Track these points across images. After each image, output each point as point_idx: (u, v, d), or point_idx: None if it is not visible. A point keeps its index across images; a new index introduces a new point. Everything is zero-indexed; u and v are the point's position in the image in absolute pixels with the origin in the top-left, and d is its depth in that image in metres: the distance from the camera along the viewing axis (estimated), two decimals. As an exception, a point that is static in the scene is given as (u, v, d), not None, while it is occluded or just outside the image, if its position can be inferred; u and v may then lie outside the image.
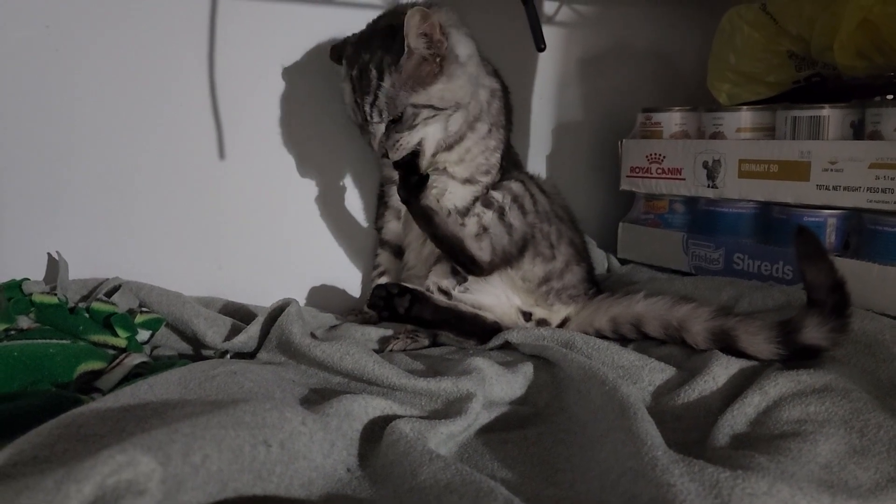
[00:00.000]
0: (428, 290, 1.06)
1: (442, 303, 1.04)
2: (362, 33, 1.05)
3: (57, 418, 0.61)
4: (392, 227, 1.19)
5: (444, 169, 1.08)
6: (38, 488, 0.45)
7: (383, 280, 1.17)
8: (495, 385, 0.85)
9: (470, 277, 1.07)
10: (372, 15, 1.07)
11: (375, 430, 0.72)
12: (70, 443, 0.58)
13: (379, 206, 1.22)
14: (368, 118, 1.00)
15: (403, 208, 1.10)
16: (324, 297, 1.25)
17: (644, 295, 1.03)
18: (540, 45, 0.94)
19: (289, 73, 1.17)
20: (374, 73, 0.98)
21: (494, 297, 1.08)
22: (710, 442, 0.74)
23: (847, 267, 0.88)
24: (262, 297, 1.10)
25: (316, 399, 0.79)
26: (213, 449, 0.55)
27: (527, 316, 1.09)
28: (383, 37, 1.00)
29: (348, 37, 1.07)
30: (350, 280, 1.28)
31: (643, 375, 0.88)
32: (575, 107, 1.46)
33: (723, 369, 0.86)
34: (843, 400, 0.77)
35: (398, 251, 1.19)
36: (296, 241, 1.22)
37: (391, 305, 1.00)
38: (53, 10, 1.01)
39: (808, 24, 1.15)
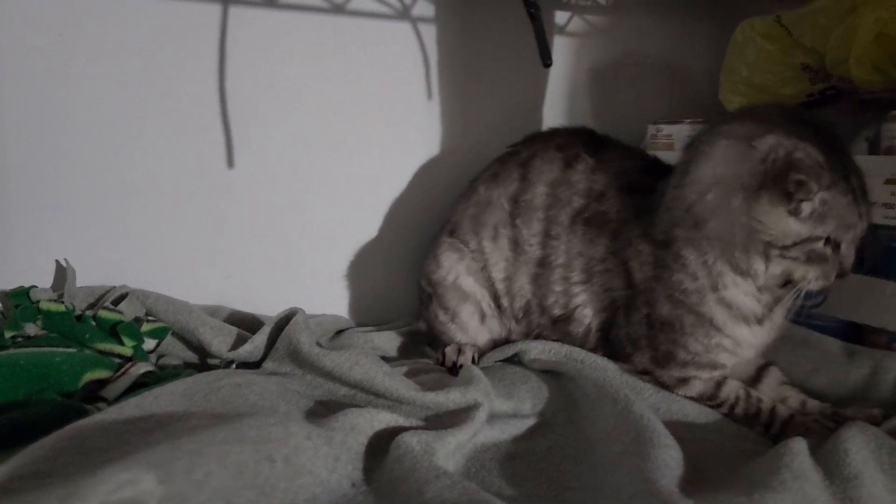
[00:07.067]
0: None
1: None
2: (809, 140, 0.80)
3: (59, 431, 0.60)
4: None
5: None
6: (40, 506, 0.45)
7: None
8: (499, 395, 0.85)
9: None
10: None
11: (381, 444, 0.71)
12: (72, 456, 0.57)
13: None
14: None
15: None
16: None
17: None
18: (546, 61, 0.93)
19: (298, 82, 1.16)
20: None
21: None
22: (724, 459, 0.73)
23: (861, 284, 0.87)
24: (269, 307, 1.09)
25: (322, 411, 0.78)
26: (216, 465, 0.54)
27: None
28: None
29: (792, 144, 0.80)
30: (356, 289, 1.28)
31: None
32: (585, 117, 1.45)
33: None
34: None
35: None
36: (303, 251, 1.21)
37: None
38: (67, 18, 1.01)
39: (823, 36, 1.14)
